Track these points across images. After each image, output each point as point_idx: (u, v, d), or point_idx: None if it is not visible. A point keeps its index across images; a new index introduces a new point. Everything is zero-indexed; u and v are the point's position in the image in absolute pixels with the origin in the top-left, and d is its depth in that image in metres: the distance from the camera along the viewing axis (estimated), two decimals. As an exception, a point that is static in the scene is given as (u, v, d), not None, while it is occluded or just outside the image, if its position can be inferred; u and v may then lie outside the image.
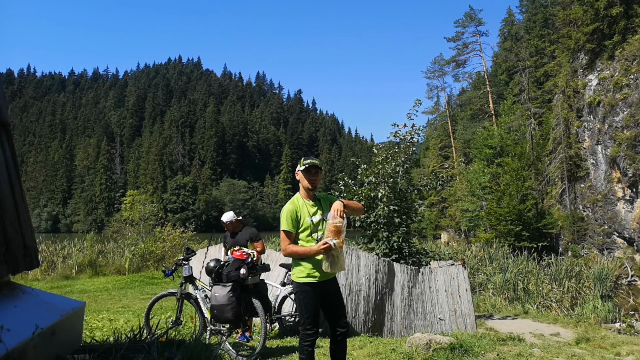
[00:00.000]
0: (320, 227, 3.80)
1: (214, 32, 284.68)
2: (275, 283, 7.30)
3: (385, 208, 10.26)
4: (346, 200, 3.94)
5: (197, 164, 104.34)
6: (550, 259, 18.74)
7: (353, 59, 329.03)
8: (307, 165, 3.83)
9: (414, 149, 11.59)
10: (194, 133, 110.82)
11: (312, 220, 3.80)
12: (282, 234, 3.80)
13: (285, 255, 3.95)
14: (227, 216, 6.96)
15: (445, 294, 8.58)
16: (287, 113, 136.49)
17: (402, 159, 10.88)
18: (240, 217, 7.07)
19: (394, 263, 8.39)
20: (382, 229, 10.32)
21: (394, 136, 11.39)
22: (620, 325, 10.94)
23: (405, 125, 11.35)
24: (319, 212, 3.86)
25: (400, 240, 10.39)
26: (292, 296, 6.97)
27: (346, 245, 8.47)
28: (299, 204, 3.85)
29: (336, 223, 3.65)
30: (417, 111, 11.56)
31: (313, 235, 3.79)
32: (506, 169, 29.05)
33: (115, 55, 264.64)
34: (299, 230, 3.79)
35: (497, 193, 29.50)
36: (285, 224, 3.77)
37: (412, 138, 11.26)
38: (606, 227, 24.40)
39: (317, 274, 3.73)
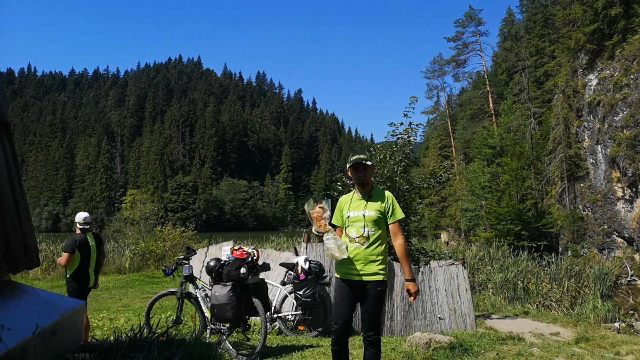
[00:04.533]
0: (355, 223, 3.74)
1: (214, 31, 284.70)
2: (275, 282, 7.31)
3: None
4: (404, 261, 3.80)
5: (198, 163, 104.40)
6: (550, 258, 18.73)
7: (353, 58, 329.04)
8: (352, 163, 3.76)
9: (411, 147, 11.56)
10: (194, 132, 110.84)
11: (349, 216, 3.79)
12: None
13: None
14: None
15: (445, 294, 8.59)
16: (287, 113, 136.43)
17: (400, 157, 10.85)
18: (81, 221, 6.46)
19: (394, 262, 8.39)
20: None
21: (392, 135, 11.38)
22: (619, 324, 10.95)
23: (402, 124, 11.33)
24: (364, 207, 3.75)
25: None
26: (292, 295, 6.99)
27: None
28: (346, 199, 3.88)
29: (309, 210, 3.76)
30: (413, 109, 11.45)
31: (347, 229, 3.80)
32: (506, 169, 29.05)
33: (116, 54, 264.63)
34: (343, 225, 3.85)
35: (497, 192, 29.49)
36: (333, 218, 3.89)
37: (409, 136, 11.23)
38: (606, 226, 24.39)
39: (340, 270, 3.78)
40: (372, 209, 3.72)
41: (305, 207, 3.87)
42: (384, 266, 3.69)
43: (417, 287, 3.72)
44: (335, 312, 3.73)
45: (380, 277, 3.66)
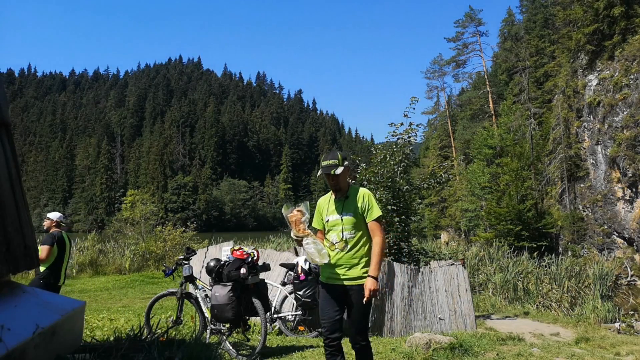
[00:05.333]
0: (335, 227, 3.62)
1: (214, 32, 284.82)
2: (275, 283, 7.31)
3: (383, 208, 10.27)
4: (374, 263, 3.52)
5: (198, 163, 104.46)
6: (550, 259, 18.72)
7: (353, 59, 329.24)
8: (322, 170, 3.61)
9: (412, 147, 11.58)
10: (194, 133, 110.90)
11: (328, 220, 3.68)
12: None
13: None
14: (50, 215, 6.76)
15: (445, 294, 8.58)
16: (287, 113, 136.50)
17: (400, 157, 10.87)
18: (59, 220, 6.59)
19: (394, 263, 8.39)
20: None
21: (392, 135, 11.40)
22: (620, 325, 10.94)
23: (402, 124, 11.36)
24: (341, 210, 3.61)
25: (396, 239, 10.40)
26: (292, 296, 6.99)
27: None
28: (325, 201, 3.76)
29: (287, 214, 3.69)
30: (413, 109, 11.56)
31: (327, 234, 3.68)
32: (506, 169, 29.07)
33: (116, 55, 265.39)
34: (323, 228, 3.74)
35: (497, 193, 29.50)
36: (313, 221, 3.78)
37: (409, 137, 11.25)
38: (606, 227, 24.39)
39: (323, 274, 3.69)
40: (349, 211, 3.59)
41: (283, 211, 3.75)
42: (367, 268, 3.56)
43: (375, 286, 3.44)
44: (322, 317, 3.61)
45: (364, 281, 3.52)
